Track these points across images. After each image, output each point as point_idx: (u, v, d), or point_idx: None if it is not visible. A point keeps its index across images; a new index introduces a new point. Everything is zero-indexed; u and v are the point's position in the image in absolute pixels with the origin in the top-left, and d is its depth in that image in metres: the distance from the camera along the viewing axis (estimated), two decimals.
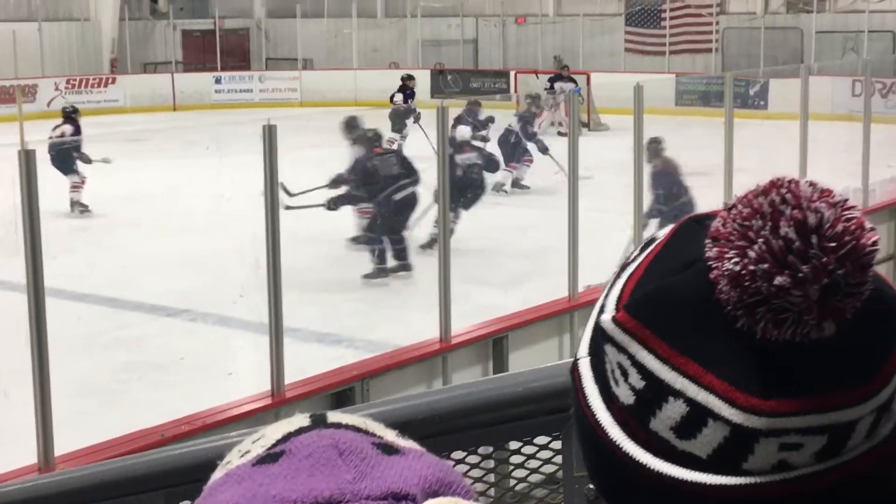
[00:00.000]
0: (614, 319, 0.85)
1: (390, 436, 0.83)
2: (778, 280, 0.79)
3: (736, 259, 0.81)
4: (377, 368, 6.61)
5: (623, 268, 0.91)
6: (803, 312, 0.80)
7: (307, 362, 7.87)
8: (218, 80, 32.33)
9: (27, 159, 5.20)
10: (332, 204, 12.11)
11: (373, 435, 0.82)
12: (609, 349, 0.86)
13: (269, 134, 6.16)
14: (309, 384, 6.43)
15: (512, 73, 29.59)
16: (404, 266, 11.30)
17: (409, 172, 11.68)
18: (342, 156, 18.96)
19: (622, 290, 0.87)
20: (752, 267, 0.80)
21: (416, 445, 0.83)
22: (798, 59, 26.49)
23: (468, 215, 12.30)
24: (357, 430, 0.82)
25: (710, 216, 0.87)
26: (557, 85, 24.61)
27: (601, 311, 0.88)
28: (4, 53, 30.48)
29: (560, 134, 20.69)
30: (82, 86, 30.54)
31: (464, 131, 15.09)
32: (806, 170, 10.73)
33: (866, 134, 11.72)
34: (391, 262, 11.41)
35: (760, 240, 0.80)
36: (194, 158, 21.33)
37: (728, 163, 10.14)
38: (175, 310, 10.55)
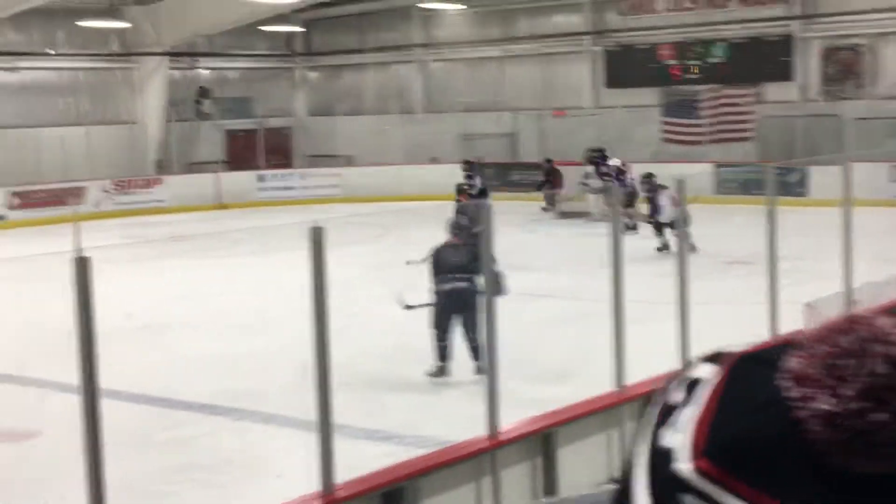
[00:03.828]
0: (697, 469, 0.83)
1: None
2: (875, 416, 0.80)
3: (829, 399, 0.81)
4: (427, 467, 6.63)
5: (666, 412, 0.89)
6: None
7: (355, 460, 7.90)
8: (261, 178, 32.77)
9: (82, 267, 5.32)
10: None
11: None
12: (689, 499, 0.83)
13: (316, 236, 6.28)
14: (359, 484, 6.45)
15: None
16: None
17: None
18: (383, 251, 19.08)
19: (694, 437, 0.85)
20: (848, 405, 0.80)
21: None
22: (836, 146, 26.51)
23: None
24: None
25: (763, 354, 0.88)
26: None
27: (666, 458, 0.86)
28: (53, 157, 31.14)
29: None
30: (129, 187, 31.07)
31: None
32: (851, 257, 10.70)
33: None
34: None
35: (853, 378, 0.81)
36: (241, 257, 21.63)
37: (772, 251, 10.14)
38: (224, 409, 10.63)
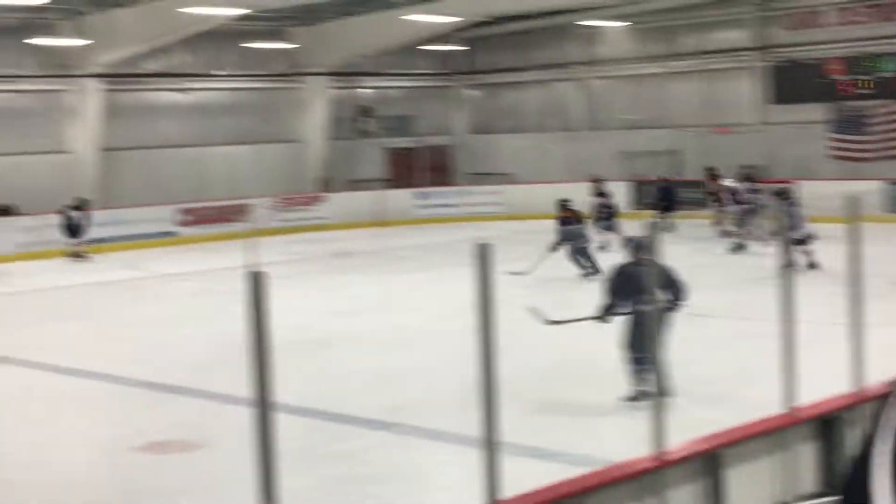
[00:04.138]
0: None
1: None
2: None
3: None
4: (592, 485, 6.57)
5: None
6: None
7: (515, 477, 7.90)
8: (422, 196, 33.11)
9: (257, 281, 5.42)
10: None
11: None
12: None
13: (483, 252, 6.30)
14: (524, 500, 6.43)
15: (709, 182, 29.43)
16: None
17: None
18: (544, 268, 19.02)
19: None
20: None
21: None
22: None
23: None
24: None
25: None
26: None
27: None
28: (220, 175, 32.07)
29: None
30: (292, 204, 31.74)
31: None
32: None
33: None
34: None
35: None
36: (405, 273, 21.89)
37: None
38: (387, 423, 10.75)
